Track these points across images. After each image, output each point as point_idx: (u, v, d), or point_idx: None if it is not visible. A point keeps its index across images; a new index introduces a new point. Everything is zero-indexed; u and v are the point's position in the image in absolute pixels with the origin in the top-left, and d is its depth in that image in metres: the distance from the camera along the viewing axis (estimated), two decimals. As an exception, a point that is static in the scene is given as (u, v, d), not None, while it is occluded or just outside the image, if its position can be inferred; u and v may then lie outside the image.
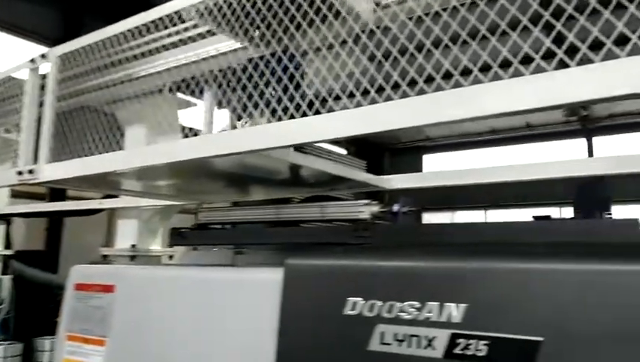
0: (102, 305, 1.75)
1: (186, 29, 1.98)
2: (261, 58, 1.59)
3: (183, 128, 2.67)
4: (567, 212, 11.67)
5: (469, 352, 1.06)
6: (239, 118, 1.72)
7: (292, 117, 1.42)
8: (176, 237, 2.21)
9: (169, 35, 1.92)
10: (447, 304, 1.11)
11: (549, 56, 1.12)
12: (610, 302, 0.95)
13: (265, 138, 1.43)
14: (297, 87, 1.43)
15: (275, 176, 2.37)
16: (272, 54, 1.54)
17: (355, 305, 1.22)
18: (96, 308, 1.78)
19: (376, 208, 1.42)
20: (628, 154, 1.99)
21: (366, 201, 1.41)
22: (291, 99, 1.43)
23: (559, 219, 1.42)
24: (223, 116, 2.13)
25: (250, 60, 1.60)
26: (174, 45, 2.20)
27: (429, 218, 15.61)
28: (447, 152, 18.67)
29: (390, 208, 1.44)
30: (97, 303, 1.78)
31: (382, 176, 2.09)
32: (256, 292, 1.40)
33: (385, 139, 18.85)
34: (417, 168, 16.83)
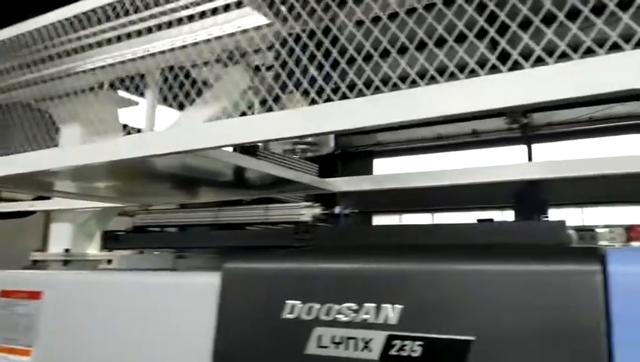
0: (28, 312, 1.65)
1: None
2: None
3: (125, 127, 2.58)
4: (510, 215, 12.15)
5: (404, 353, 1.07)
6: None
7: (244, 114, 1.39)
8: (110, 240, 2.11)
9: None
10: (384, 305, 1.11)
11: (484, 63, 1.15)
12: (537, 302, 0.98)
13: (204, 138, 1.39)
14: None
15: (220, 178, 2.33)
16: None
17: (294, 309, 1.20)
18: (21, 315, 1.67)
19: (317, 210, 1.41)
20: (563, 159, 2.08)
21: (307, 204, 1.39)
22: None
23: (499, 222, 1.46)
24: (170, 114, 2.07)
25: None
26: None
27: (379, 221, 15.83)
28: (397, 157, 19.04)
29: (332, 210, 1.44)
30: (23, 311, 1.67)
31: (327, 179, 2.09)
32: (192, 296, 1.35)
33: (340, 143, 19.00)
34: (368, 172, 17.06)
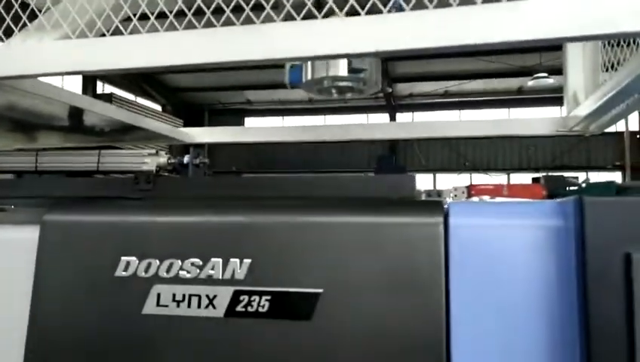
0: None
1: None
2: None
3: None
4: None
5: (251, 309, 1.01)
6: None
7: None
8: None
9: None
10: (231, 260, 1.04)
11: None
12: (383, 253, 0.98)
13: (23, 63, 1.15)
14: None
15: (60, 122, 2.05)
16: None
17: (129, 266, 1.07)
18: None
19: (163, 159, 1.27)
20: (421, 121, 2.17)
21: (151, 151, 1.24)
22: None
23: (348, 176, 1.43)
24: None
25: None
26: None
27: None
28: (268, 117, 18.96)
29: (180, 159, 1.30)
30: None
31: (181, 128, 1.94)
32: (4, 254, 1.15)
33: (204, 99, 18.34)
34: (237, 131, 16.73)
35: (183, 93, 18.07)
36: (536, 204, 1.03)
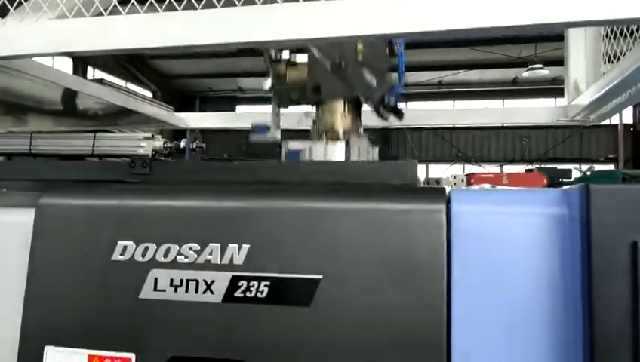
0: None
1: None
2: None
3: None
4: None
5: (250, 294, 1.00)
6: None
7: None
8: None
9: None
10: (230, 245, 1.02)
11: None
12: (384, 239, 0.97)
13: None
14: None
15: (53, 106, 2.02)
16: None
17: (126, 250, 1.05)
18: None
19: (159, 143, 1.24)
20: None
21: (147, 135, 1.21)
22: None
23: (349, 161, 1.42)
24: None
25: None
26: None
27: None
28: (259, 105, 18.87)
29: (177, 143, 1.28)
30: None
31: (176, 113, 1.91)
32: (0, 237, 1.13)
33: (196, 86, 18.20)
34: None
35: (174, 79, 17.90)
36: (541, 191, 1.02)
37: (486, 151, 18.82)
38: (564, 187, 0.95)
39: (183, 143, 1.28)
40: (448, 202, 0.98)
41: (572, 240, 0.88)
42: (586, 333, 0.82)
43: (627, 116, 16.30)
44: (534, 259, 0.91)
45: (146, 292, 1.03)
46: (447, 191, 1.02)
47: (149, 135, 1.21)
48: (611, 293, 0.78)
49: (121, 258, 1.05)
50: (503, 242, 0.93)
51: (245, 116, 2.07)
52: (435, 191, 1.03)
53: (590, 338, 0.80)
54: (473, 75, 17.43)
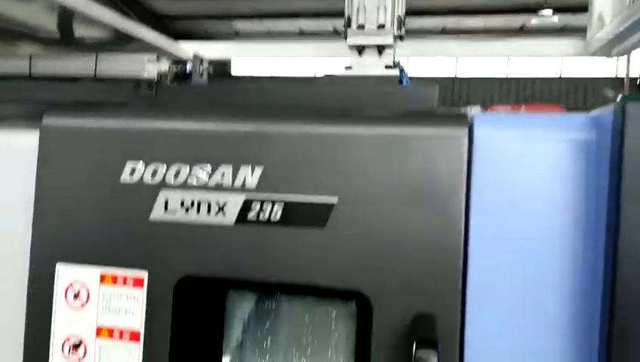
0: None
1: None
2: None
3: None
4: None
5: (263, 217, 0.98)
6: None
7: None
8: None
9: None
10: (242, 167, 0.99)
11: None
12: (403, 164, 0.93)
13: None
14: None
15: (51, 35, 1.95)
16: None
17: (135, 171, 1.02)
18: None
19: (165, 66, 1.18)
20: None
21: (151, 57, 1.15)
22: None
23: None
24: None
25: None
26: None
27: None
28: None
29: (183, 67, 1.22)
30: None
31: (179, 42, 1.82)
32: (4, 161, 1.09)
33: (190, 29, 17.72)
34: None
35: (167, 20, 17.35)
36: (569, 115, 0.97)
37: (489, 99, 18.57)
38: (594, 111, 0.91)
39: (189, 67, 1.21)
40: (471, 126, 0.94)
41: (601, 168, 0.84)
42: (609, 269, 0.79)
43: (634, 69, 16.00)
44: (558, 187, 0.88)
45: (157, 213, 1.01)
46: (470, 115, 0.98)
47: (154, 57, 1.15)
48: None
49: (130, 179, 1.02)
50: (527, 168, 0.90)
51: (249, 47, 1.99)
52: (456, 116, 0.99)
53: (613, 273, 0.78)
54: (478, 21, 16.90)
